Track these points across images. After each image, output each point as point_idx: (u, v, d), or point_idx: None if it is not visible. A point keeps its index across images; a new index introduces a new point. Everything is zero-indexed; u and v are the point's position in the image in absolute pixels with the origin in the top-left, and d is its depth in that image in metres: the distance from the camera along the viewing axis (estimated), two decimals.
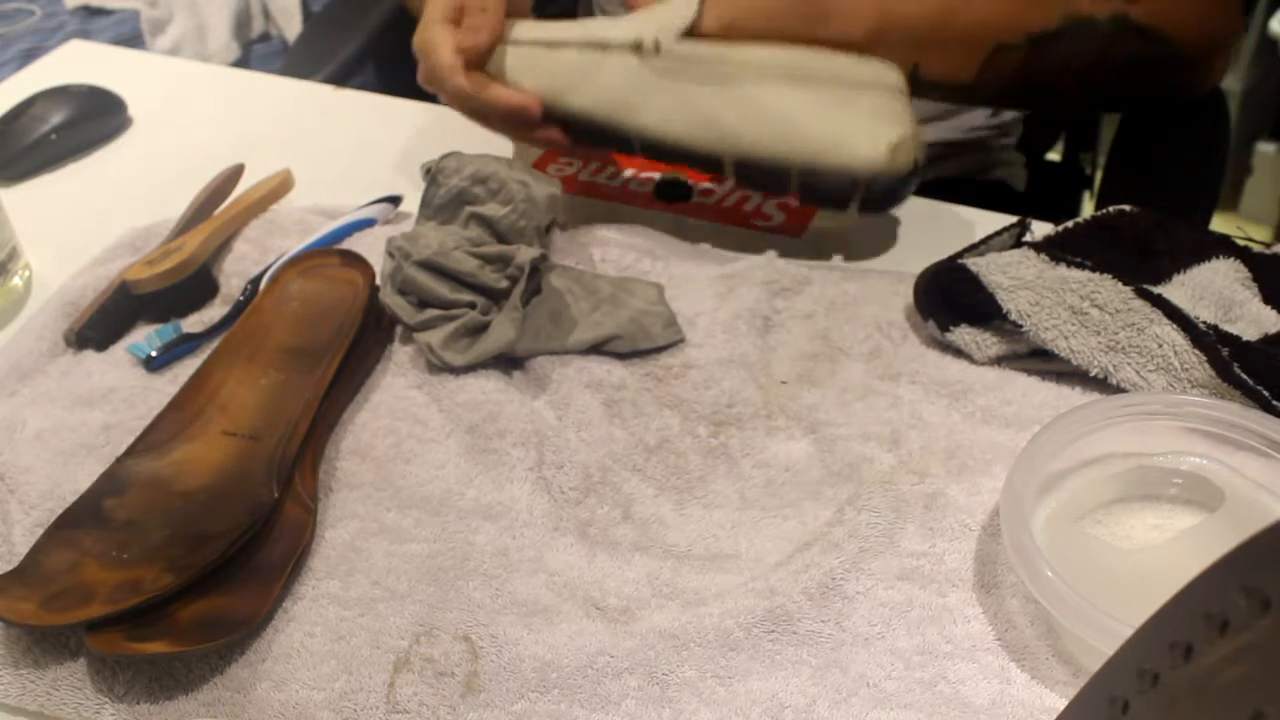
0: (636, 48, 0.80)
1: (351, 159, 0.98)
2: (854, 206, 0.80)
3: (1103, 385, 0.70)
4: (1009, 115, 1.10)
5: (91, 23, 1.97)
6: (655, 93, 0.80)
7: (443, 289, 0.74)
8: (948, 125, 1.06)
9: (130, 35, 1.93)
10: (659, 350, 0.76)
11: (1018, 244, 0.78)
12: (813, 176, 0.79)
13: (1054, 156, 1.28)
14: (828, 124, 0.78)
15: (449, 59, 0.81)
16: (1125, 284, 0.70)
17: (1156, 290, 0.70)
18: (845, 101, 0.79)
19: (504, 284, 0.74)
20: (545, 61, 0.82)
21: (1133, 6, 0.88)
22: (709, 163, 0.81)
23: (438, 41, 0.82)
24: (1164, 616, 0.31)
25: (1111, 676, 0.34)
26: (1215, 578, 0.29)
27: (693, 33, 0.81)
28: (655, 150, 0.82)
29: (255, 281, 0.82)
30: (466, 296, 0.74)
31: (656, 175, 0.94)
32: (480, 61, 0.83)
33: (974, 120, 1.08)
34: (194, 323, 0.80)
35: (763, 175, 0.80)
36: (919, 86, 0.86)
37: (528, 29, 0.85)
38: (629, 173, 0.95)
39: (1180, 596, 0.30)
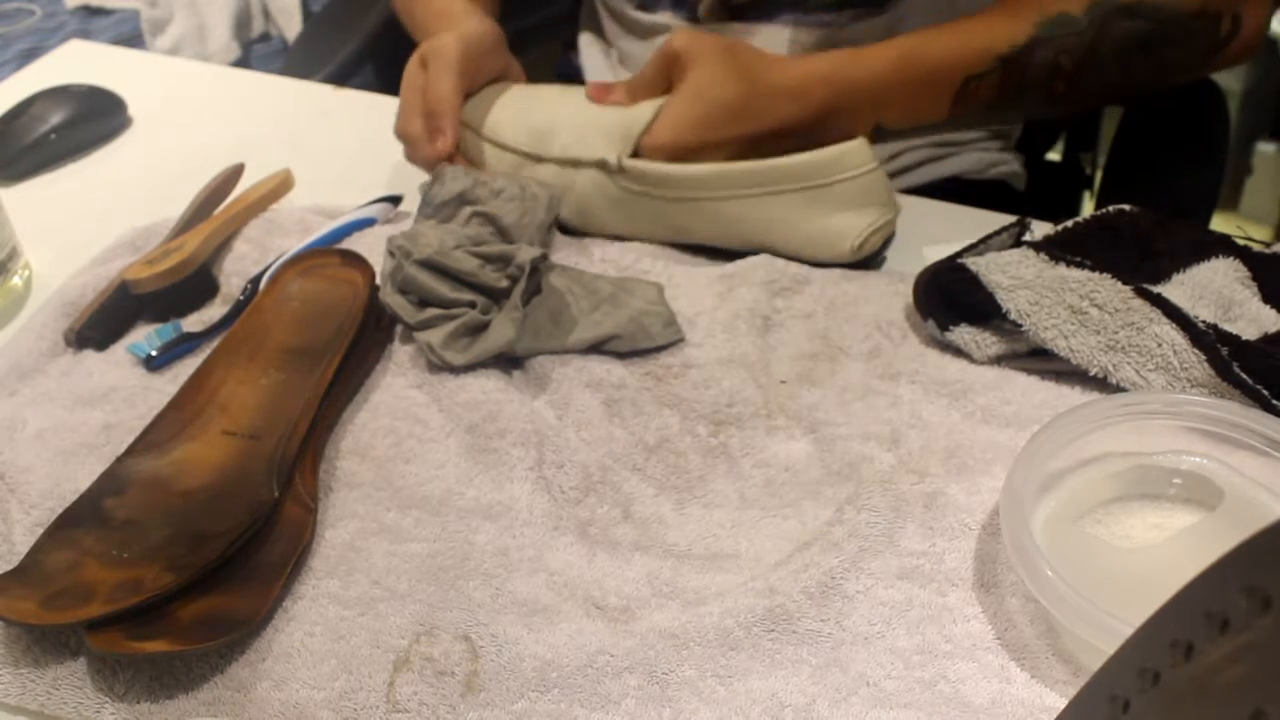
0: (603, 166, 0.84)
1: (351, 159, 0.98)
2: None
3: (1102, 385, 0.70)
4: None
5: (91, 23, 1.97)
6: (627, 207, 0.84)
7: (443, 288, 0.74)
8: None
9: (130, 35, 1.93)
10: (659, 350, 0.76)
11: (1017, 243, 0.78)
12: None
13: (1054, 156, 1.28)
14: (794, 232, 0.81)
15: (429, 154, 0.87)
16: (1125, 283, 0.70)
17: (1156, 290, 0.70)
18: (811, 201, 0.80)
19: (504, 283, 0.74)
20: (529, 173, 0.87)
21: None
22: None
23: (416, 137, 0.88)
24: (1165, 616, 0.31)
25: (1112, 675, 0.34)
26: (1216, 577, 0.29)
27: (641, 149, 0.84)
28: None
29: (255, 281, 0.82)
30: (467, 296, 0.74)
31: None
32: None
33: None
34: (194, 322, 0.80)
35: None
36: (886, 136, 0.86)
37: (509, 125, 0.89)
38: None
39: (1181, 596, 0.30)
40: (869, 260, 0.83)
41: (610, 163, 0.83)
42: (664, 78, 0.86)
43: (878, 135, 0.85)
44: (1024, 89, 0.86)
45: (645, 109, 0.84)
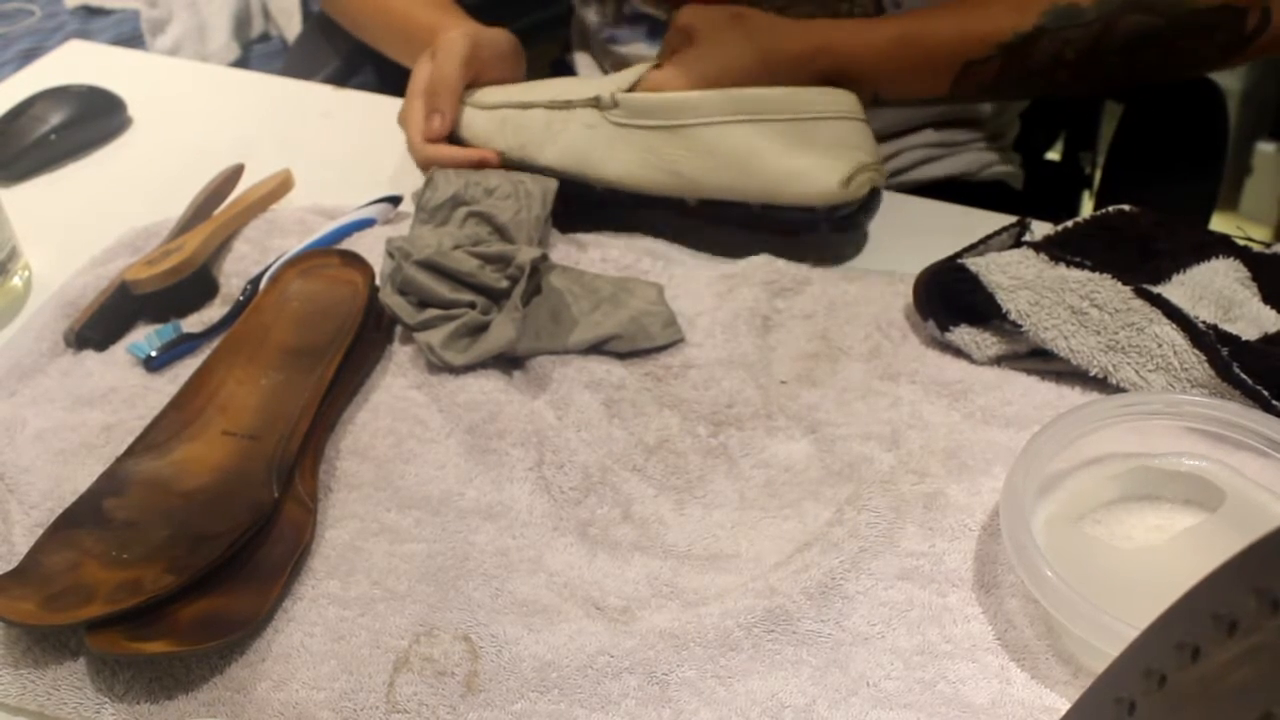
0: (596, 103, 0.84)
1: (351, 159, 0.98)
2: (822, 231, 0.82)
3: (1103, 385, 0.70)
4: (1003, 117, 1.10)
5: (91, 23, 1.97)
6: (616, 144, 0.84)
7: (443, 289, 0.74)
8: (940, 127, 1.06)
9: (130, 35, 1.93)
10: (659, 350, 0.76)
11: (1017, 244, 0.78)
12: (774, 210, 0.82)
13: (1053, 156, 1.28)
14: (782, 162, 0.80)
15: (416, 137, 0.88)
16: (1125, 284, 0.70)
17: (1156, 290, 0.70)
18: (800, 136, 0.80)
19: (504, 284, 0.74)
20: (516, 120, 0.87)
21: None
22: (673, 203, 0.84)
23: (412, 120, 0.89)
24: (1171, 617, 0.31)
25: (1118, 677, 0.34)
26: (1223, 579, 0.29)
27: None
28: (618, 196, 0.85)
29: (255, 281, 0.82)
30: (467, 296, 0.74)
31: None
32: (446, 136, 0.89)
33: (966, 122, 1.07)
34: (194, 323, 0.80)
35: (725, 211, 0.83)
36: (884, 104, 0.86)
37: (499, 91, 0.90)
38: None
39: (1188, 597, 0.30)
40: (861, 214, 0.82)
41: (604, 97, 0.83)
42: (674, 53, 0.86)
43: (875, 104, 0.85)
44: (1026, 77, 0.86)
45: (635, 69, 0.85)
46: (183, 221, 0.87)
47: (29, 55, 1.80)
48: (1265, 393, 0.65)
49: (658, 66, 0.85)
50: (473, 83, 0.92)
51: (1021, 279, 0.71)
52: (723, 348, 0.75)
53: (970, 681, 0.56)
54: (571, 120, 0.85)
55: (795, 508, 0.66)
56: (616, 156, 0.84)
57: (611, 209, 0.86)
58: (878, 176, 0.82)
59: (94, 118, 1.02)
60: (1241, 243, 0.77)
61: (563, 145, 0.85)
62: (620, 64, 1.07)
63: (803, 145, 0.80)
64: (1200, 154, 1.08)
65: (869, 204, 0.83)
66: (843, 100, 0.81)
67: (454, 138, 0.90)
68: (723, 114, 0.80)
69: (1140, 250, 0.77)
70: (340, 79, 1.18)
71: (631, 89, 0.84)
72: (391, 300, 0.75)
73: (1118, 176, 1.10)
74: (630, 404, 0.72)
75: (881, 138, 1.02)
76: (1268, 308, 0.72)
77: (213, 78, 1.16)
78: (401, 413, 0.72)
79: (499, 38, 0.93)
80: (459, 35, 0.90)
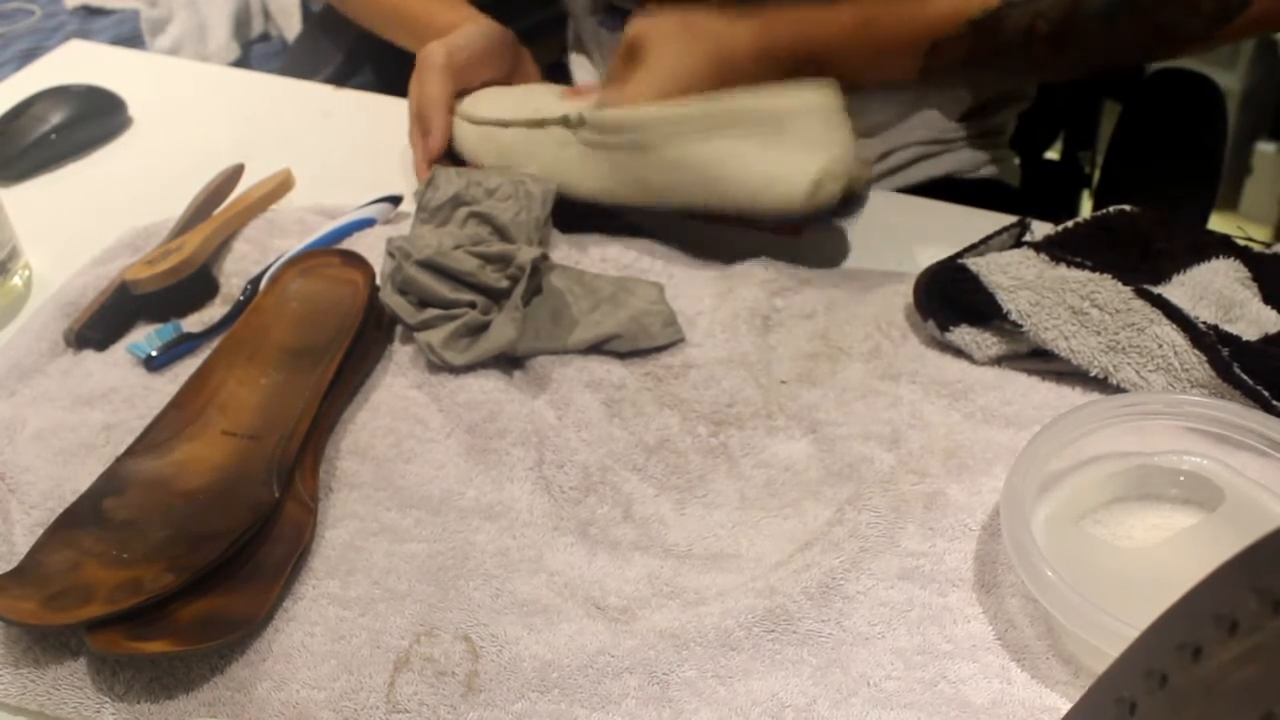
0: (565, 122, 0.85)
1: (351, 159, 0.98)
2: (808, 228, 0.81)
3: (1103, 385, 0.70)
4: (997, 115, 1.10)
5: (91, 23, 1.97)
6: (587, 162, 0.84)
7: (443, 289, 0.74)
8: (933, 122, 1.05)
9: (130, 35, 1.93)
10: (659, 350, 0.76)
11: (1018, 244, 0.78)
12: (751, 214, 0.80)
13: (1052, 155, 1.28)
14: (749, 171, 0.78)
15: (420, 161, 0.91)
16: (1125, 284, 0.70)
17: (1156, 290, 0.70)
18: (767, 140, 0.78)
19: (504, 283, 0.74)
20: (497, 137, 0.88)
21: None
22: (653, 212, 0.84)
23: (412, 139, 0.93)
24: (1172, 617, 0.31)
25: (1119, 677, 0.34)
26: (1225, 579, 0.29)
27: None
28: (599, 208, 0.85)
29: (255, 281, 0.82)
30: (467, 296, 0.74)
31: None
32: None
33: (960, 117, 1.07)
34: (194, 322, 0.80)
35: (705, 217, 0.82)
36: (855, 89, 0.85)
37: (486, 104, 0.91)
38: None
39: (1189, 597, 0.30)
40: (839, 213, 0.80)
41: (571, 116, 0.84)
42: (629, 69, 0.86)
43: (849, 90, 0.83)
44: (998, 53, 0.83)
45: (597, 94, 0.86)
46: (183, 221, 0.87)
47: (29, 55, 1.80)
48: (1265, 393, 0.65)
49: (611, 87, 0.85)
50: (465, 88, 0.92)
51: (1022, 279, 0.71)
52: (723, 347, 0.75)
53: (971, 681, 0.56)
54: (546, 139, 0.86)
55: (795, 507, 0.66)
56: (589, 174, 0.84)
57: (596, 219, 0.86)
58: (848, 178, 0.78)
59: (94, 118, 1.02)
60: (1241, 243, 0.77)
61: (539, 164, 0.86)
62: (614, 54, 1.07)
63: (772, 150, 0.78)
64: (1200, 154, 1.08)
65: (848, 202, 0.80)
66: (816, 95, 0.78)
67: (451, 150, 0.91)
68: (684, 127, 0.79)
69: (1140, 250, 0.77)
70: (340, 79, 1.18)
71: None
72: (392, 300, 0.75)
73: (1117, 176, 1.10)
74: (630, 404, 0.72)
75: (873, 137, 1.02)
76: (1268, 308, 0.72)
77: (213, 78, 1.16)
78: (401, 412, 0.72)
79: (477, 36, 0.93)
80: (434, 47, 0.91)
